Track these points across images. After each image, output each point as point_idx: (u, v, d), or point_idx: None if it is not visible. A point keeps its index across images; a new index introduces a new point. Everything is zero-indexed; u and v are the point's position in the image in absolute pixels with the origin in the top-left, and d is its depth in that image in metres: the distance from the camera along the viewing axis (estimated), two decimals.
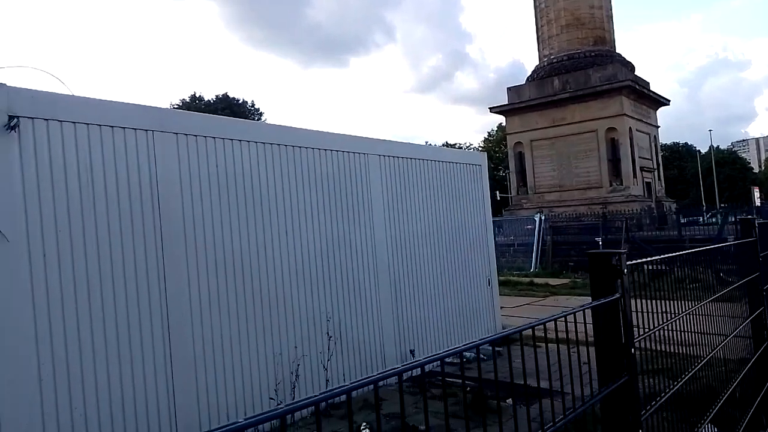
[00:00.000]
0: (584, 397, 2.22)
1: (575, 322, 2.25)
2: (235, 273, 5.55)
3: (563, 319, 2.14)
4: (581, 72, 30.03)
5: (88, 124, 4.39)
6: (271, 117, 60.09)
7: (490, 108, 33.81)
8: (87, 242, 4.39)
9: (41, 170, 4.13)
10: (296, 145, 6.32)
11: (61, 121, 4.23)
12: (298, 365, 5.99)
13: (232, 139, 5.63)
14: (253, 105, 56.32)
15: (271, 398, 5.69)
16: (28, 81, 3.81)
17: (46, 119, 4.15)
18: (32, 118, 4.07)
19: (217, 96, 53.91)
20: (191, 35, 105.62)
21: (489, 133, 67.02)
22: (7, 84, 3.93)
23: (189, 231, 5.16)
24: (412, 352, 7.56)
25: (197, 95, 53.61)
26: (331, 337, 6.41)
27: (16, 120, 3.91)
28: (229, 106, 51.01)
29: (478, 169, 9.34)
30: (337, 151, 6.83)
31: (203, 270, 5.27)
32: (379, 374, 1.38)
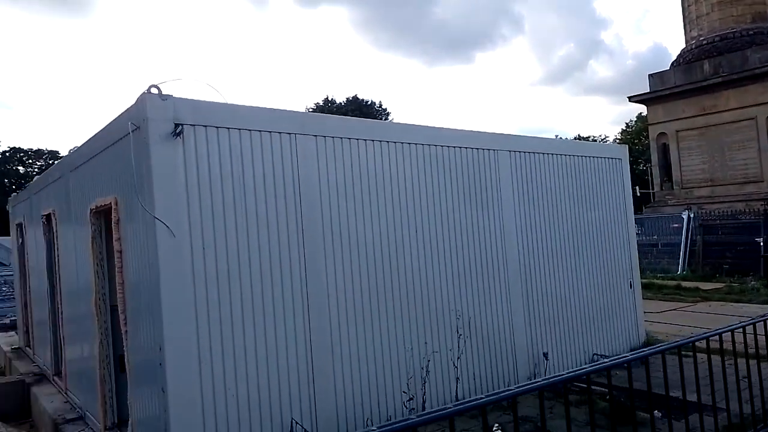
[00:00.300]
0: (754, 417, 1.99)
1: (756, 333, 2.03)
2: (368, 267, 5.75)
3: (741, 329, 1.93)
4: (736, 53, 26.82)
5: (239, 129, 4.82)
6: (397, 116, 61.45)
7: (629, 97, 31.42)
8: (239, 237, 4.82)
9: (201, 172, 4.61)
10: (425, 143, 6.39)
11: (217, 127, 4.69)
12: (428, 361, 6.06)
13: (365, 139, 5.84)
14: (380, 105, 57.83)
15: (404, 392, 5.82)
16: (187, 91, 4.30)
17: (205, 126, 4.63)
18: (193, 125, 4.55)
19: (347, 98, 56.15)
20: (323, 41, 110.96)
21: (627, 124, 62.36)
22: (173, 95, 4.43)
23: (326, 227, 5.45)
24: (545, 354, 7.30)
25: (329, 98, 56.21)
26: (461, 334, 6.40)
27: (180, 128, 4.40)
28: (358, 108, 52.90)
29: (618, 163, 8.74)
30: (466, 147, 6.79)
31: (339, 263, 5.54)
32: (544, 380, 1.36)
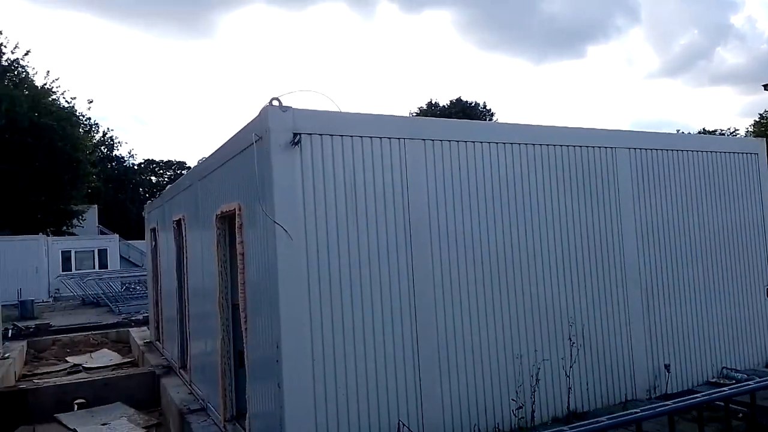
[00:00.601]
0: None
1: None
2: (476, 271, 5.68)
3: None
4: None
5: (351, 136, 5.00)
6: (502, 117, 59.86)
7: (765, 85, 28.44)
8: (350, 241, 4.97)
9: (316, 179, 4.83)
10: (536, 143, 6.20)
11: (331, 135, 4.90)
12: (539, 369, 5.87)
13: (473, 141, 5.78)
14: (484, 106, 56.94)
15: (513, 400, 5.68)
16: (303, 101, 4.53)
17: (321, 134, 4.85)
18: (310, 134, 4.79)
19: (450, 101, 55.88)
20: (427, 45, 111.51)
21: (761, 115, 56.31)
22: (293, 106, 4.68)
23: (434, 231, 5.46)
24: (666, 367, 6.79)
25: (433, 102, 56.29)
26: (573, 342, 6.13)
27: (298, 137, 4.64)
28: (462, 110, 52.49)
29: (754, 158, 7.93)
30: (580, 146, 6.49)
31: (446, 267, 5.52)
32: (705, 395, 1.27)
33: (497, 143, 5.95)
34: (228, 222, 6.31)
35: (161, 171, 63.72)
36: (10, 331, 14.46)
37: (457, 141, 5.68)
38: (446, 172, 5.60)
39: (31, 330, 15.73)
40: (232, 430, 6.12)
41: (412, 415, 5.16)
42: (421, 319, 5.30)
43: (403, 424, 5.05)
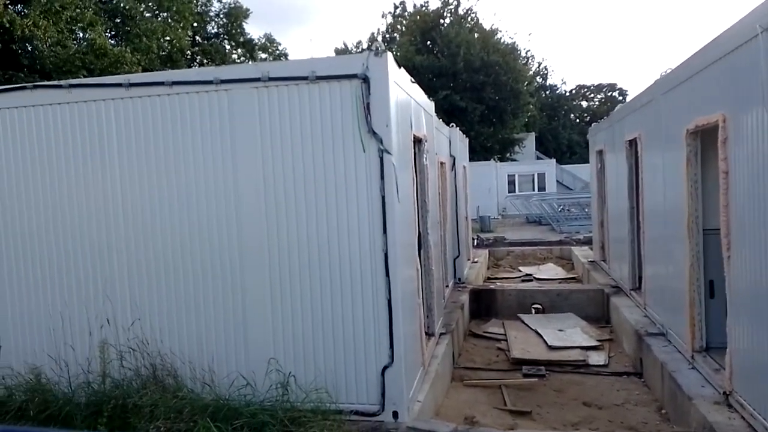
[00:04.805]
0: None
1: None
2: None
3: None
4: None
5: None
6: None
7: None
8: None
9: None
10: None
11: None
12: None
13: None
14: None
15: None
16: None
17: None
18: None
19: None
20: None
21: None
22: None
23: None
24: None
25: None
26: None
27: None
28: None
29: None
30: None
31: None
32: None
33: None
34: (701, 137, 5.65)
35: (591, 95, 63.25)
36: (474, 240, 17.30)
37: None
38: None
39: (490, 241, 18.49)
40: (701, 361, 5.71)
41: None
42: None
43: None
